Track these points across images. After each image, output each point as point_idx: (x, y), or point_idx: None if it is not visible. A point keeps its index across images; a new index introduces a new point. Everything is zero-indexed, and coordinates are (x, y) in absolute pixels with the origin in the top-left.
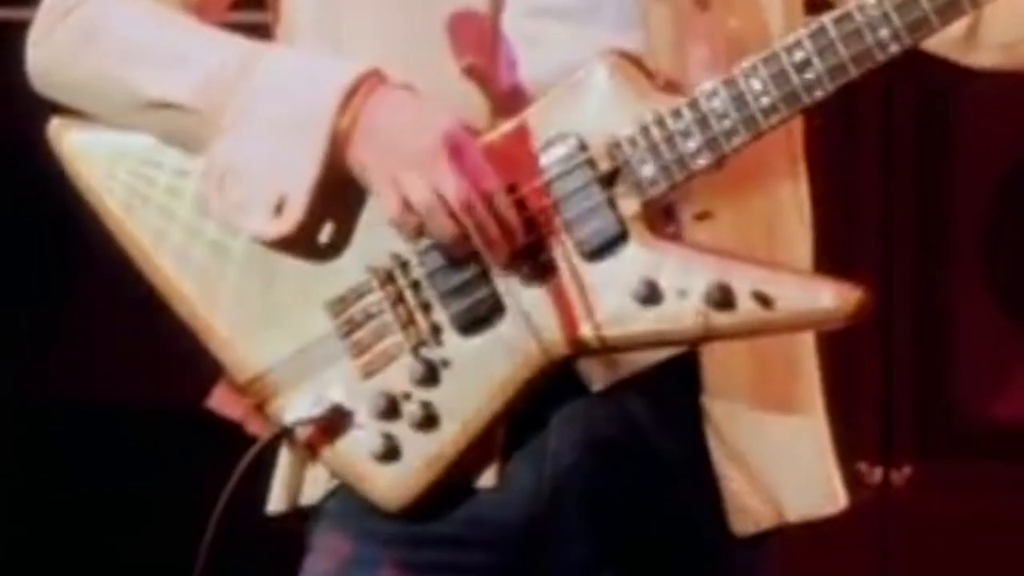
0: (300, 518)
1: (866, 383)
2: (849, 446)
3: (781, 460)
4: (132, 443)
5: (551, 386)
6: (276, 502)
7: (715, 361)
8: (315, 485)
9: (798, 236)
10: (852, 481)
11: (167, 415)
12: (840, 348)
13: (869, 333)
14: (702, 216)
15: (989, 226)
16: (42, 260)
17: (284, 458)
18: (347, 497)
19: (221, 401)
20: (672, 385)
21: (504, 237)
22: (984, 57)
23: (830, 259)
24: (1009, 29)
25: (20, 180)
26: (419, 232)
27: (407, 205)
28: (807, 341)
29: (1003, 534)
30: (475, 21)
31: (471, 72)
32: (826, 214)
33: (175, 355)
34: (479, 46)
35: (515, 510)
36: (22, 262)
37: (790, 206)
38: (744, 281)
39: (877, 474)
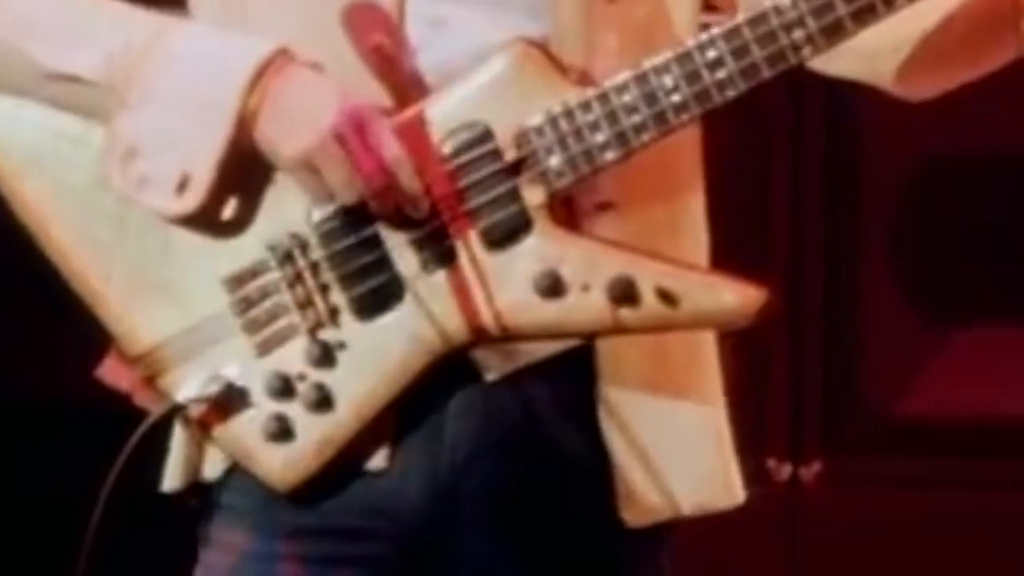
0: (194, 495)
1: (775, 379)
2: (758, 442)
3: (678, 451)
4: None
5: (447, 374)
6: (171, 480)
7: (609, 349)
8: (214, 462)
9: (699, 230)
10: (759, 477)
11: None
12: (749, 344)
13: (778, 329)
14: (604, 206)
15: (897, 222)
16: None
17: (178, 436)
18: (244, 491)
19: (110, 372)
20: (570, 374)
21: (407, 204)
22: (843, 64)
23: (739, 254)
24: (874, 38)
25: None
26: (329, 197)
27: (316, 174)
28: (707, 334)
29: (911, 529)
30: (368, 7)
31: (378, 53)
32: (736, 210)
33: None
34: (384, 28)
35: (413, 501)
36: None
37: (692, 198)
38: (649, 277)
39: (786, 470)
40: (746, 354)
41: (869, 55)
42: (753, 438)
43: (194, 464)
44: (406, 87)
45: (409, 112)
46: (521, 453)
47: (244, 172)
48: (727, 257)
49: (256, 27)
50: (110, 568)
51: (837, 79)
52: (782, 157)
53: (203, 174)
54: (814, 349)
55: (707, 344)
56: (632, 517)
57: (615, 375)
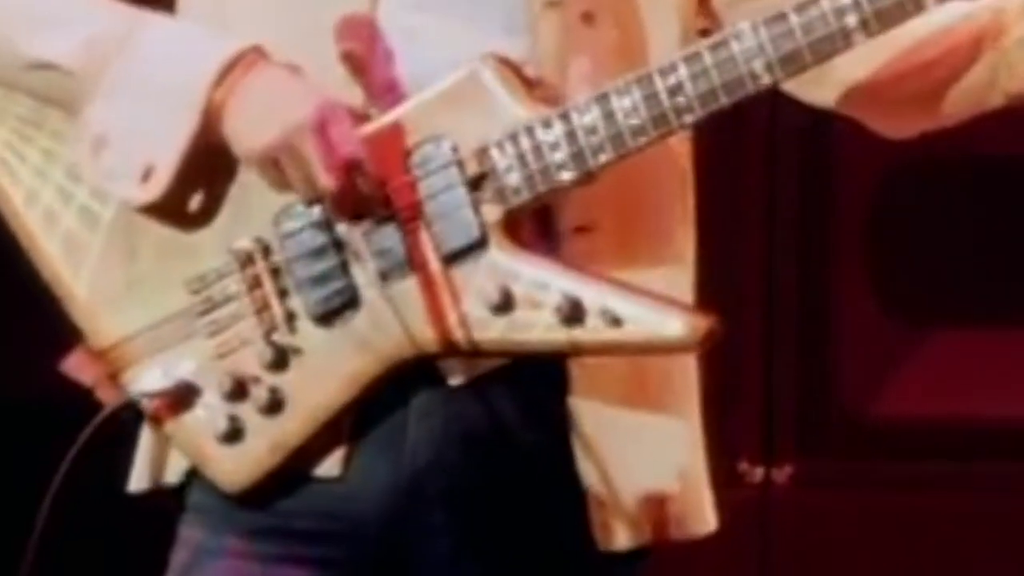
0: (166, 497)
1: (747, 381)
2: (730, 445)
3: (651, 476)
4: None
5: (409, 377)
6: (138, 481)
7: (583, 364)
8: (175, 466)
9: (684, 252)
10: (731, 479)
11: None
12: (722, 346)
13: (751, 331)
14: (582, 228)
15: (871, 225)
16: None
17: (145, 436)
18: (207, 490)
19: (75, 365)
20: (539, 382)
21: (365, 207)
22: (822, 94)
23: (713, 259)
24: (855, 69)
25: None
26: (285, 186)
27: (278, 170)
28: (686, 356)
29: (883, 532)
30: (356, 16)
31: (348, 58)
32: (710, 212)
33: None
34: (359, 35)
35: (372, 504)
36: None
37: (677, 221)
38: (596, 298)
39: (758, 473)
40: (719, 356)
41: (848, 86)
42: (725, 440)
43: (158, 466)
44: (378, 94)
45: (386, 119)
46: (484, 457)
47: (211, 167)
48: (700, 260)
49: (236, 27)
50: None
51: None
52: (756, 160)
53: (166, 164)
54: (787, 351)
55: (688, 366)
56: (603, 540)
57: (589, 390)
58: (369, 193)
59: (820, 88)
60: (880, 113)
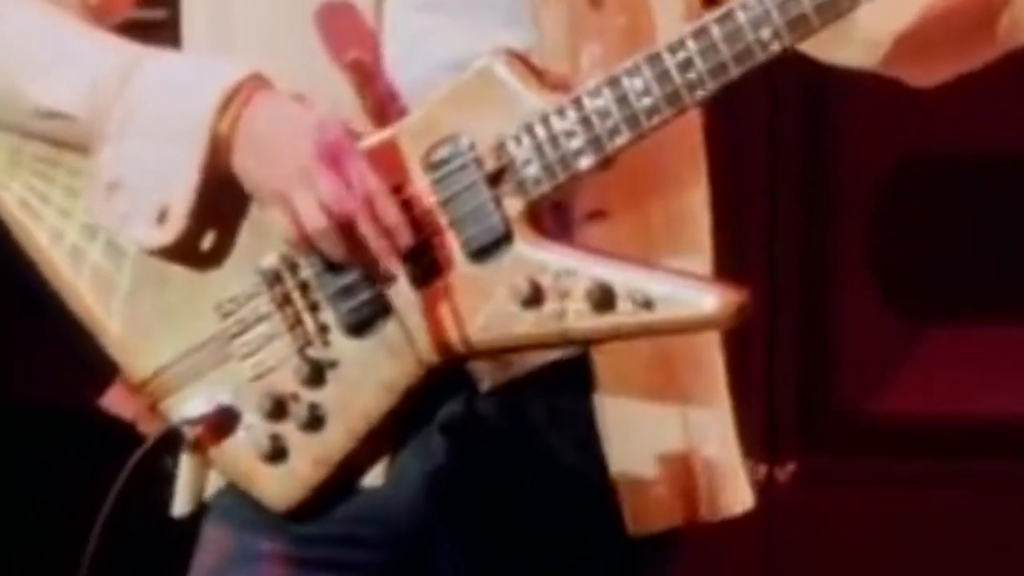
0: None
1: (750, 378)
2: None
3: (678, 459)
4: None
5: (439, 382)
6: (181, 505)
7: (609, 360)
8: (213, 482)
9: (700, 235)
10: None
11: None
12: (724, 343)
13: (753, 328)
14: (595, 215)
15: (873, 221)
16: None
17: (186, 461)
18: (236, 492)
19: (114, 401)
20: (566, 384)
21: (389, 240)
22: (847, 54)
23: (714, 253)
24: (877, 25)
25: None
26: (311, 246)
27: (298, 223)
28: (711, 337)
29: (885, 529)
30: (346, 13)
31: (355, 68)
32: (711, 209)
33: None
34: (361, 40)
35: (403, 508)
36: None
37: (692, 204)
38: (625, 282)
39: (761, 470)
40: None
41: (872, 44)
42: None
43: (200, 488)
44: (383, 102)
45: (400, 123)
46: (512, 462)
47: (226, 197)
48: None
49: (243, 41)
50: None
51: (815, 76)
52: (758, 156)
53: (181, 203)
54: (789, 349)
55: (712, 346)
56: (636, 525)
57: (616, 385)
58: (387, 219)
59: (845, 48)
60: (908, 64)
